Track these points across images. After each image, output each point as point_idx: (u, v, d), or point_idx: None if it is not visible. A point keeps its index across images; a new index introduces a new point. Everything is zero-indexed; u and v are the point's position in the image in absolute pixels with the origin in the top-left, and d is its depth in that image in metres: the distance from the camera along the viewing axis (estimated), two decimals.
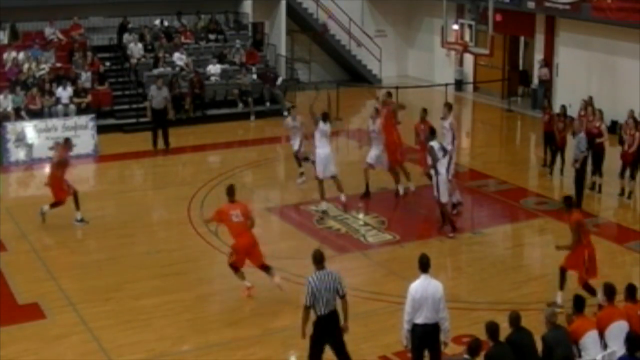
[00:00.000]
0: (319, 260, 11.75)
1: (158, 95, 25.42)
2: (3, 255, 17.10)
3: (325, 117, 19.62)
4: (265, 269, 15.01)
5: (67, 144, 19.47)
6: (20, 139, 23.95)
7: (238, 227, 14.77)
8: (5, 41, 29.90)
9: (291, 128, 21.47)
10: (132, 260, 16.90)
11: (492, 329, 10.69)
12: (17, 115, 25.70)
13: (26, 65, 28.36)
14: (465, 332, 12.84)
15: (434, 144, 17.93)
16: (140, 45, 30.55)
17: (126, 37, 31.00)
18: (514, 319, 11.03)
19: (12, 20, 30.02)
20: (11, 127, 24.04)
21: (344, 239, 18.23)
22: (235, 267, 14.98)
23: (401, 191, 20.48)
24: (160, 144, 24.76)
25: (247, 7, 34.08)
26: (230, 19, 33.58)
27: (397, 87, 28.31)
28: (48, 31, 30.47)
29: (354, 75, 36.39)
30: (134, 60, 30.13)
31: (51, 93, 26.94)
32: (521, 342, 10.82)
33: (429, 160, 18.21)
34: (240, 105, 29.57)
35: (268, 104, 29.99)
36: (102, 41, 31.25)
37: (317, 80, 33.46)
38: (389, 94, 21.44)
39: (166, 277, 15.64)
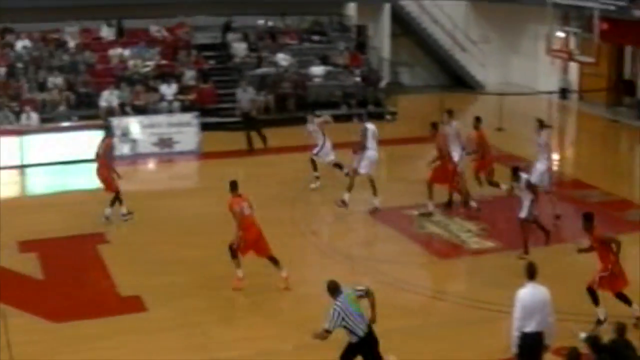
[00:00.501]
0: (335, 289, 11.54)
1: (243, 98, 25.63)
2: (106, 247, 17.33)
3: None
4: (274, 261, 15.15)
5: (109, 132, 19.65)
6: (125, 134, 24.28)
7: (249, 219, 15.03)
8: (112, 38, 30.41)
9: (311, 132, 21.56)
10: None
11: (594, 340, 10.41)
12: (122, 110, 26.10)
13: (131, 62, 28.80)
14: (564, 344, 12.49)
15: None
16: (244, 44, 30.73)
17: (230, 36, 31.23)
18: (619, 330, 10.73)
19: (119, 17, 30.50)
20: (116, 122, 24.38)
21: (445, 244, 17.97)
22: (235, 253, 15.05)
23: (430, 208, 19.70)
24: (259, 143, 24.83)
25: (351, 9, 34.04)
26: (334, 21, 33.53)
27: (500, 94, 27.87)
28: (153, 29, 30.87)
29: (457, 80, 36.02)
30: (237, 60, 30.32)
31: (156, 90, 27.28)
32: (624, 353, 10.51)
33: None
34: (343, 107, 29.49)
35: (371, 106, 29.84)
36: (206, 40, 31.52)
37: (421, 84, 33.26)
38: (449, 113, 20.71)
39: (268, 276, 15.58)
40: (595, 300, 13.61)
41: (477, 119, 20.19)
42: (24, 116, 24.92)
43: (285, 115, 28.08)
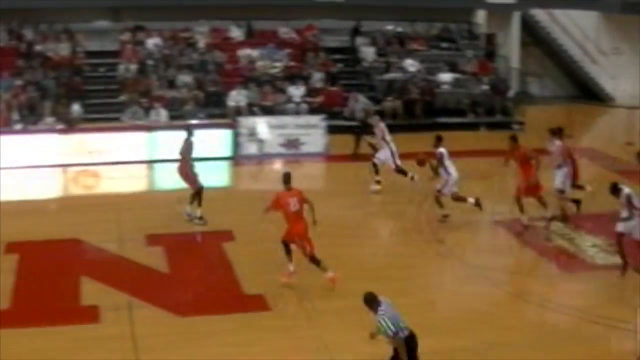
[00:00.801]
0: (372, 300, 11.48)
1: (356, 108, 25.61)
2: (232, 244, 17.33)
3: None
4: (315, 262, 15.10)
5: (190, 130, 19.63)
6: (253, 133, 24.36)
7: (295, 215, 15.09)
8: (242, 38, 30.64)
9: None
10: (356, 260, 16.70)
11: None
12: (250, 110, 26.21)
13: (260, 63, 28.96)
14: None
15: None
16: (372, 49, 30.56)
17: (359, 40, 31.13)
18: None
19: (249, 18, 30.71)
20: (244, 122, 24.45)
21: (571, 258, 17.41)
22: (288, 248, 15.26)
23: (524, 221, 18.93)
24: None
25: (481, 17, 33.61)
26: (463, 28, 33.14)
27: (631, 108, 26.96)
28: (282, 30, 30.99)
29: (585, 92, 35.11)
30: (365, 64, 30.19)
31: (283, 91, 27.33)
32: None
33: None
34: (470, 115, 29.02)
35: (498, 115, 29.27)
36: (334, 43, 31.59)
37: (549, 94, 32.55)
38: (514, 139, 19.35)
39: (390, 282, 15.27)
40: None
41: (559, 130, 19.55)
42: (153, 112, 25.30)
43: (413, 122, 27.78)
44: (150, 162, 23.88)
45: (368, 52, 30.54)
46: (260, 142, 24.48)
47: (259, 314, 14.32)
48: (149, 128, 24.12)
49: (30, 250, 17.18)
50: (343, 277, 15.48)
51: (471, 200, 19.21)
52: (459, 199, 19.20)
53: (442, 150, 19.08)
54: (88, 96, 27.73)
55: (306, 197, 15.26)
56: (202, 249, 17.38)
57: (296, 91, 27.38)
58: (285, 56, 29.62)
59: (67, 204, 21.12)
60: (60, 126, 24.73)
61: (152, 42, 29.58)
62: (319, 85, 28.34)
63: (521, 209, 18.63)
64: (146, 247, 17.27)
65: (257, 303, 14.67)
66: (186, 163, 19.04)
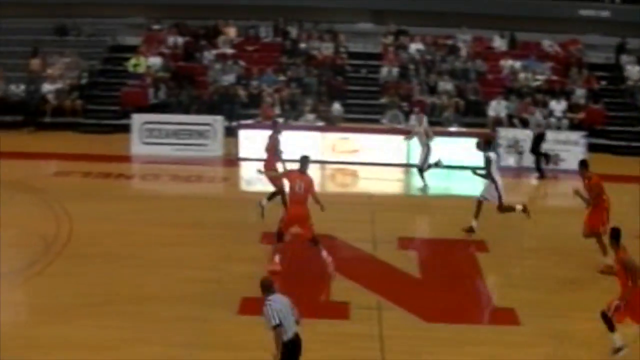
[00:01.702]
0: (268, 286, 11.43)
1: (535, 122, 24.60)
2: (485, 255, 17.17)
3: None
4: (314, 242, 15.67)
5: (276, 127, 19.70)
6: (512, 145, 24.02)
7: (298, 197, 15.73)
8: (504, 49, 30.31)
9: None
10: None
11: None
12: (510, 122, 25.88)
13: (522, 75, 28.55)
14: None
15: None
16: (638, 67, 29.41)
17: (624, 58, 30.03)
18: None
19: (512, 29, 30.33)
20: (504, 133, 24.15)
21: None
22: (281, 235, 15.79)
23: None
24: None
25: None
26: None
27: None
28: (546, 43, 30.40)
29: None
30: (630, 82, 29.08)
31: (544, 105, 26.79)
32: None
33: None
34: None
35: None
36: (598, 59, 30.74)
37: None
38: (584, 165, 17.54)
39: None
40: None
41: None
42: (412, 117, 25.45)
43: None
44: (408, 166, 24.01)
45: (633, 71, 29.40)
46: (519, 154, 24.10)
47: (508, 328, 14.08)
48: (408, 132, 24.27)
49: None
50: (594, 298, 14.95)
51: (519, 207, 18.33)
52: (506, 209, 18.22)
53: (490, 154, 18.24)
54: (348, 96, 28.33)
55: (314, 190, 15.93)
56: (455, 257, 17.27)
57: (557, 106, 26.78)
58: (548, 69, 29.04)
59: (323, 201, 21.59)
60: (320, 124, 25.38)
61: (414, 47, 29.83)
62: (581, 101, 27.57)
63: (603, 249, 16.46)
64: (398, 250, 17.37)
65: (507, 317, 14.37)
66: (272, 159, 19.20)
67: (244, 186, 23.56)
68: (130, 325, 13.78)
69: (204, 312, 14.20)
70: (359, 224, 18.25)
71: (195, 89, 27.92)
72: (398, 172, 23.70)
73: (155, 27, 31.09)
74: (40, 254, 16.65)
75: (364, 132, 24.35)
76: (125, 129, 25.73)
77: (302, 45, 30.25)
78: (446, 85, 27.75)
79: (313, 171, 22.67)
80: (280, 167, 19.07)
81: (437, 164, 19.83)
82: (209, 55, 29.57)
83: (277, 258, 15.95)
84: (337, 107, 26.38)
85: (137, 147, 24.56)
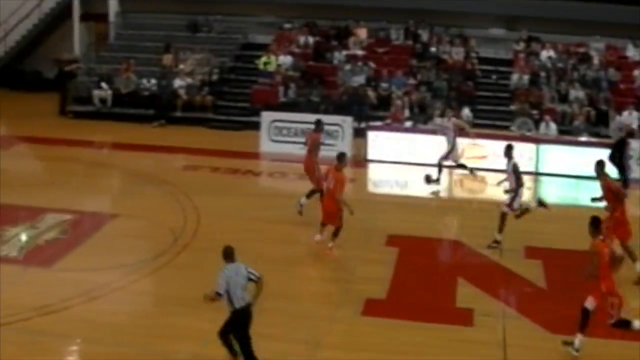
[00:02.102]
0: (228, 254, 12.13)
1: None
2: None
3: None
4: (324, 225, 17.04)
5: (317, 127, 19.74)
6: None
7: (329, 191, 17.10)
8: (638, 58, 29.57)
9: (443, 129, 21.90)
10: None
11: None
12: None
13: None
14: None
15: None
16: None
17: None
18: None
19: None
20: (635, 144, 23.56)
21: None
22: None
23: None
24: None
25: None
26: None
27: None
28: None
29: None
30: None
31: None
32: None
33: None
34: None
35: None
36: None
37: None
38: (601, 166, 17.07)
39: None
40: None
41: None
42: (542, 125, 25.05)
43: None
44: (537, 175, 23.67)
45: None
46: None
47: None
48: (537, 140, 23.93)
49: (410, 245, 17.72)
50: None
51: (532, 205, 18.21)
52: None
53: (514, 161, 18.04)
54: (478, 102, 28.09)
55: (341, 189, 16.78)
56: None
57: None
58: None
59: (450, 205, 21.57)
60: None
61: (545, 54, 29.36)
62: None
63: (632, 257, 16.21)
64: (525, 259, 17.19)
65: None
66: (312, 158, 19.44)
67: (372, 188, 23.61)
68: (256, 320, 13.96)
69: (328, 311, 14.36)
70: (486, 230, 18.02)
71: (325, 89, 28.09)
72: (527, 180, 23.27)
73: (287, 26, 31.41)
74: (168, 245, 17.02)
75: (493, 139, 24.03)
76: (255, 126, 26.05)
77: (433, 49, 30.14)
78: (577, 93, 27.21)
79: (444, 176, 22.80)
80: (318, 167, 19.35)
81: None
82: (339, 55, 29.73)
83: (317, 237, 16.98)
84: (466, 112, 26.15)
85: (266, 144, 24.85)
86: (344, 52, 29.84)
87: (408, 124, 25.62)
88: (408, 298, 15.14)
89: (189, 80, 28.97)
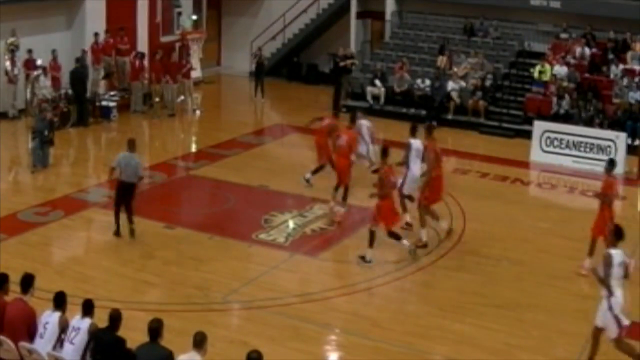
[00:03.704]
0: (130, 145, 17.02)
1: None
2: None
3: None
4: (344, 197, 18.91)
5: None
6: None
7: (340, 149, 19.08)
8: None
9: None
10: None
11: None
12: None
13: None
14: None
15: None
16: None
17: None
18: None
19: None
20: None
21: None
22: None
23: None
24: None
25: None
26: None
27: None
28: None
29: None
30: None
31: None
32: None
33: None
34: None
35: None
36: None
37: None
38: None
39: None
40: None
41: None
42: None
43: None
44: None
45: None
46: None
47: None
48: None
49: None
50: None
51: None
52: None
53: (412, 141, 17.93)
54: None
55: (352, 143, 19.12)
56: None
57: None
58: None
59: None
60: None
61: None
62: None
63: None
64: None
65: None
66: (323, 136, 20.23)
67: None
68: (510, 330, 13.97)
69: (588, 329, 13.72)
70: None
71: (600, 102, 27.00)
72: None
73: (563, 35, 30.50)
74: (433, 246, 16.99)
75: None
76: (526, 134, 25.52)
77: None
78: None
79: None
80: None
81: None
82: (615, 69, 28.51)
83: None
84: None
85: (537, 154, 24.22)
86: (621, 66, 28.57)
87: None
88: None
89: (462, 83, 28.74)
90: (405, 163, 17.91)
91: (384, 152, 16.50)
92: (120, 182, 16.97)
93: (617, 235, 12.81)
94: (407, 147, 17.97)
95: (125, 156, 16.91)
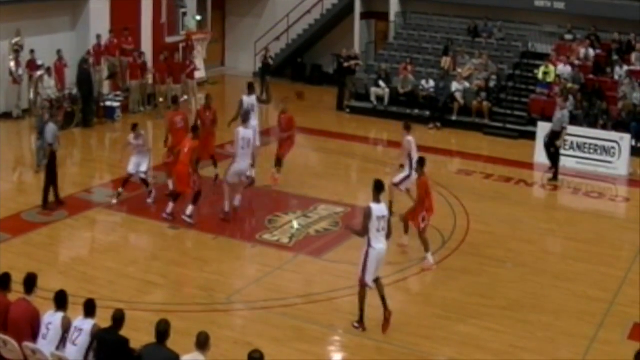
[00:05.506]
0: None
1: None
2: None
3: None
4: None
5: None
6: None
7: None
8: None
9: (135, 146, 19.32)
10: None
11: None
12: None
13: None
14: None
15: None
16: None
17: None
18: None
19: None
20: None
21: None
22: None
23: None
24: None
25: None
26: None
27: None
28: None
29: None
30: None
31: None
32: None
33: None
34: None
35: None
36: None
37: None
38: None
39: None
40: None
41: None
42: None
43: None
44: None
45: None
46: None
47: None
48: None
49: None
50: None
51: None
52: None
53: (409, 138, 18.02)
54: None
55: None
56: None
57: None
58: None
59: None
60: None
61: None
62: None
63: None
64: None
65: None
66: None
67: None
68: (514, 332, 13.92)
69: (592, 331, 13.89)
70: None
71: (604, 104, 26.94)
72: None
73: (567, 36, 30.46)
74: (437, 247, 16.97)
75: None
76: (530, 136, 25.46)
77: None
78: None
79: None
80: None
81: None
82: (619, 70, 28.45)
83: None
84: None
85: (541, 155, 24.10)
86: (625, 67, 28.51)
87: None
88: None
89: (466, 84, 28.70)
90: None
91: (421, 163, 16.44)
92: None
93: (377, 189, 13.40)
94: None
95: None
